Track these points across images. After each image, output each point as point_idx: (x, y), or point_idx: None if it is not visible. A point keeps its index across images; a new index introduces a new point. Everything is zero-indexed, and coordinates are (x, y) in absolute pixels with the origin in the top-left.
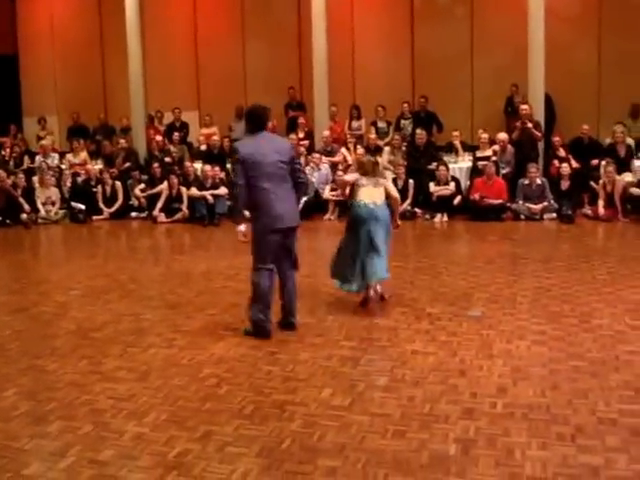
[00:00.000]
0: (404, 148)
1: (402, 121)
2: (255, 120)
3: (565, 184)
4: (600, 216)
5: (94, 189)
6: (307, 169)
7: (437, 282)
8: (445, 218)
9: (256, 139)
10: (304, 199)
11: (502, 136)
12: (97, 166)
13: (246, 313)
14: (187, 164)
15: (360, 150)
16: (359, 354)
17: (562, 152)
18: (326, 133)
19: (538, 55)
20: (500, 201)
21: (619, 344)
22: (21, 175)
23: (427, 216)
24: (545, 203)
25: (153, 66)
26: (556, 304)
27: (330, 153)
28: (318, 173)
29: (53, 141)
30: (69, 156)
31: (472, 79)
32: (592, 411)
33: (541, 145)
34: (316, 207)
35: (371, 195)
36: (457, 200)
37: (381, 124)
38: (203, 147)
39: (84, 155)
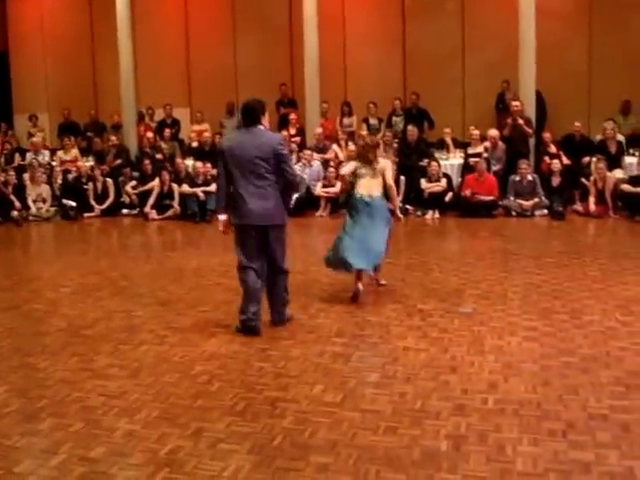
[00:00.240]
0: (395, 145)
1: (393, 118)
2: (249, 113)
3: (556, 180)
4: (591, 212)
5: (85, 186)
6: (299, 166)
7: (428, 278)
8: (436, 214)
9: (243, 133)
10: (295, 196)
11: (493, 133)
12: (88, 163)
13: (238, 310)
14: (178, 161)
15: (351, 147)
16: (351, 351)
17: (553, 148)
18: (318, 130)
19: (529, 52)
20: (491, 197)
21: (610, 340)
22: (12, 172)
23: (418, 213)
24: (536, 199)
25: (144, 63)
26: (547, 300)
27: (322, 150)
28: (310, 170)
29: (44, 138)
30: (60, 153)
31: (463, 76)
32: (583, 407)
33: (532, 141)
34: (308, 204)
35: (368, 187)
36: (448, 197)
37: (372, 121)
38: (194, 144)
39: (75, 152)
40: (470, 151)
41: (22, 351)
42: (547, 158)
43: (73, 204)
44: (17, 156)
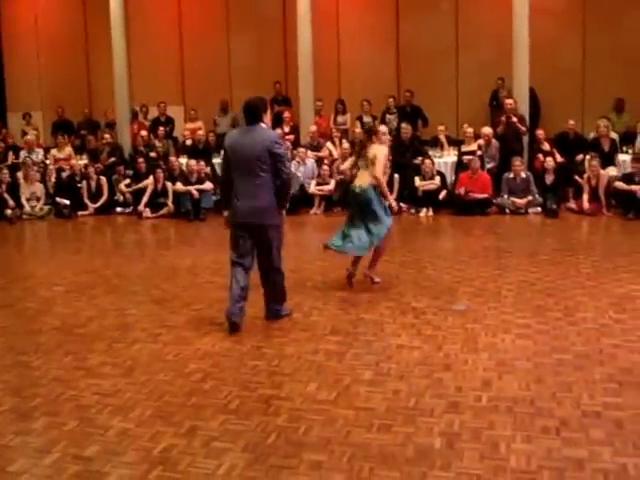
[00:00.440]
0: (389, 142)
1: (387, 115)
2: (250, 112)
3: (550, 178)
4: (584, 210)
5: (79, 184)
6: (293, 164)
7: (422, 276)
8: (430, 212)
9: (244, 131)
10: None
11: (487, 130)
12: (82, 161)
13: None
14: (172, 159)
15: (345, 144)
16: (344, 348)
17: (546, 146)
18: (313, 128)
19: (523, 50)
20: (485, 195)
21: (603, 337)
22: (5, 171)
23: (412, 210)
24: (530, 197)
25: (138, 60)
26: (541, 298)
27: (316, 148)
28: (304, 168)
29: (37, 136)
30: (54, 151)
31: (457, 74)
32: (576, 404)
33: (526, 139)
34: (302, 201)
35: (360, 178)
36: (442, 194)
37: (366, 118)
38: (188, 142)
39: (69, 150)
40: (464, 149)
41: (16, 350)
42: (541, 156)
43: (67, 202)
44: (10, 154)
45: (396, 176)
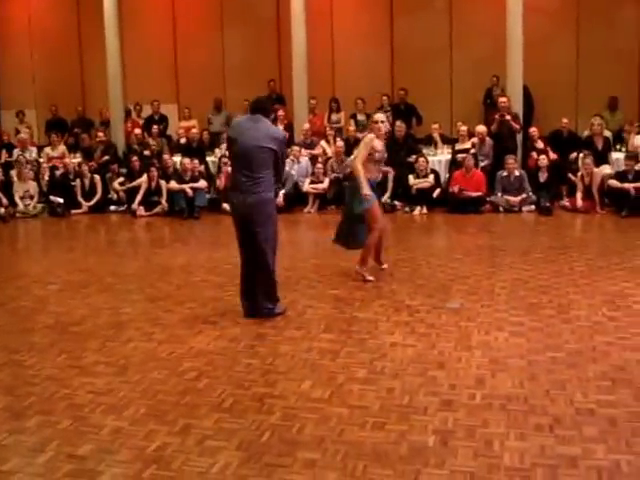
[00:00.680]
0: (383, 140)
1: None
2: (257, 107)
3: (543, 176)
4: (578, 208)
5: (72, 183)
6: (287, 162)
7: (416, 274)
8: (424, 210)
9: (247, 123)
10: (282, 192)
11: (481, 128)
12: (75, 159)
13: None
14: (166, 157)
15: (339, 143)
16: (338, 347)
17: (540, 144)
18: (306, 126)
19: (516, 48)
20: (479, 193)
21: (596, 335)
22: None
23: (406, 208)
24: (523, 195)
25: (131, 59)
26: (534, 296)
27: (310, 146)
28: (298, 166)
29: (30, 134)
30: (47, 149)
31: (451, 72)
32: (570, 402)
33: (519, 137)
34: (296, 200)
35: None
36: (436, 193)
37: (360, 117)
38: (182, 140)
39: (62, 149)
40: (458, 147)
41: (9, 348)
42: (534, 154)
43: (60, 201)
44: (4, 152)
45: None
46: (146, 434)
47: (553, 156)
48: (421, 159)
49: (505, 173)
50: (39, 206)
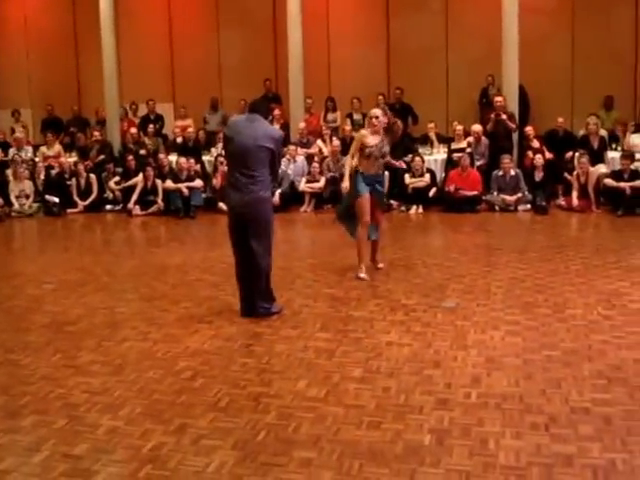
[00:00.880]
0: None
1: None
2: (255, 107)
3: (539, 175)
4: (574, 207)
5: (68, 182)
6: (283, 161)
7: (412, 273)
8: (420, 210)
9: (244, 122)
10: (279, 191)
11: (476, 128)
12: (71, 159)
13: None
14: (161, 156)
15: (336, 142)
16: (334, 346)
17: (536, 143)
18: (302, 125)
19: (512, 48)
20: (475, 193)
21: (592, 334)
22: None
23: (402, 208)
24: (519, 194)
25: (127, 58)
26: (530, 294)
27: (306, 145)
28: (294, 165)
29: (26, 133)
30: (43, 149)
31: (447, 71)
32: (565, 400)
33: (515, 137)
34: (292, 199)
35: None
36: (432, 192)
37: (356, 116)
38: (178, 139)
39: (58, 148)
40: (454, 146)
41: (4, 348)
42: (530, 153)
43: (56, 200)
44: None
45: (386, 173)
46: (142, 433)
47: (549, 155)
48: (417, 158)
49: (501, 172)
50: (35, 205)
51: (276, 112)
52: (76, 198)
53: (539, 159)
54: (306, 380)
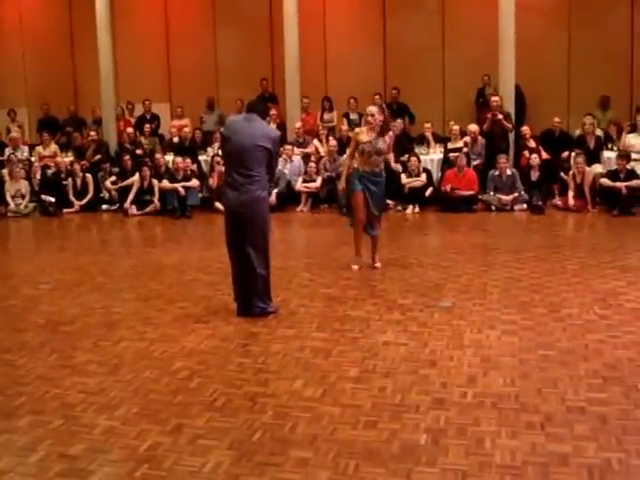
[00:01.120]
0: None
1: None
2: (252, 107)
3: (535, 175)
4: (570, 207)
5: (64, 182)
6: (280, 161)
7: (408, 273)
8: (417, 209)
9: (241, 122)
10: (275, 190)
11: (473, 127)
12: (67, 158)
13: None
14: (158, 156)
15: (332, 142)
16: (331, 345)
17: (532, 143)
18: (298, 125)
19: (509, 48)
20: (471, 192)
21: (588, 333)
22: None
23: (399, 207)
24: (515, 194)
25: (123, 57)
26: (526, 294)
27: (302, 144)
28: (290, 165)
29: (22, 133)
30: (39, 148)
31: (443, 71)
32: (561, 400)
33: (512, 136)
34: (289, 199)
35: None
36: (428, 191)
37: (353, 116)
38: (175, 139)
39: (54, 147)
40: (450, 146)
41: (0, 348)
42: (526, 153)
43: (52, 200)
44: None
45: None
46: (138, 433)
47: (545, 155)
48: (413, 158)
49: (497, 172)
50: (31, 205)
51: (272, 112)
52: (72, 198)
53: (535, 159)
54: (302, 380)
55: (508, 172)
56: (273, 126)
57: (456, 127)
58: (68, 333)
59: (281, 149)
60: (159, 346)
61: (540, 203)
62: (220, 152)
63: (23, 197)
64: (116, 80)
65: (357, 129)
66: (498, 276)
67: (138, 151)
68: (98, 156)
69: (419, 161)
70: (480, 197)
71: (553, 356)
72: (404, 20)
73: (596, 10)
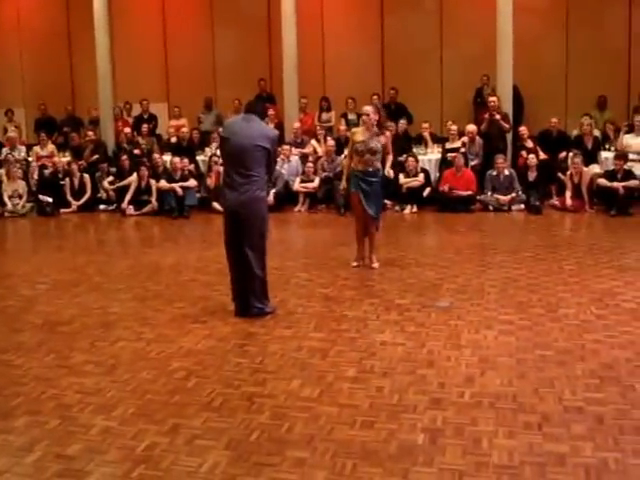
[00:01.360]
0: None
1: None
2: (251, 107)
3: (533, 175)
4: (567, 207)
5: (62, 182)
6: (277, 161)
7: (406, 273)
8: (414, 209)
9: (240, 122)
10: (273, 190)
11: (471, 128)
12: (65, 158)
13: None
14: (156, 156)
15: (330, 142)
16: (328, 345)
17: (530, 143)
18: (296, 125)
19: (506, 47)
20: (469, 192)
21: (585, 333)
22: None
23: (397, 207)
24: (513, 194)
25: (121, 57)
26: (523, 294)
27: (300, 145)
28: (288, 165)
29: (19, 133)
30: (36, 148)
31: (441, 71)
32: (558, 400)
33: (509, 137)
34: (287, 199)
35: None
36: (426, 192)
37: (351, 116)
38: (172, 139)
39: (51, 147)
40: (448, 146)
41: None
42: (524, 153)
43: (49, 200)
44: None
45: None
46: (135, 434)
47: (543, 156)
48: (411, 158)
49: (495, 172)
50: (28, 205)
51: (270, 112)
52: (70, 198)
53: (533, 159)
54: (300, 380)
55: (506, 172)
56: (271, 126)
57: (454, 127)
58: (65, 333)
59: (279, 149)
60: (156, 346)
61: (537, 203)
62: (219, 152)
63: (20, 197)
64: (114, 80)
65: (354, 129)
66: (495, 276)
67: (136, 151)
68: (96, 156)
69: (417, 161)
70: (478, 197)
71: (550, 356)
72: (402, 20)
73: (594, 10)
